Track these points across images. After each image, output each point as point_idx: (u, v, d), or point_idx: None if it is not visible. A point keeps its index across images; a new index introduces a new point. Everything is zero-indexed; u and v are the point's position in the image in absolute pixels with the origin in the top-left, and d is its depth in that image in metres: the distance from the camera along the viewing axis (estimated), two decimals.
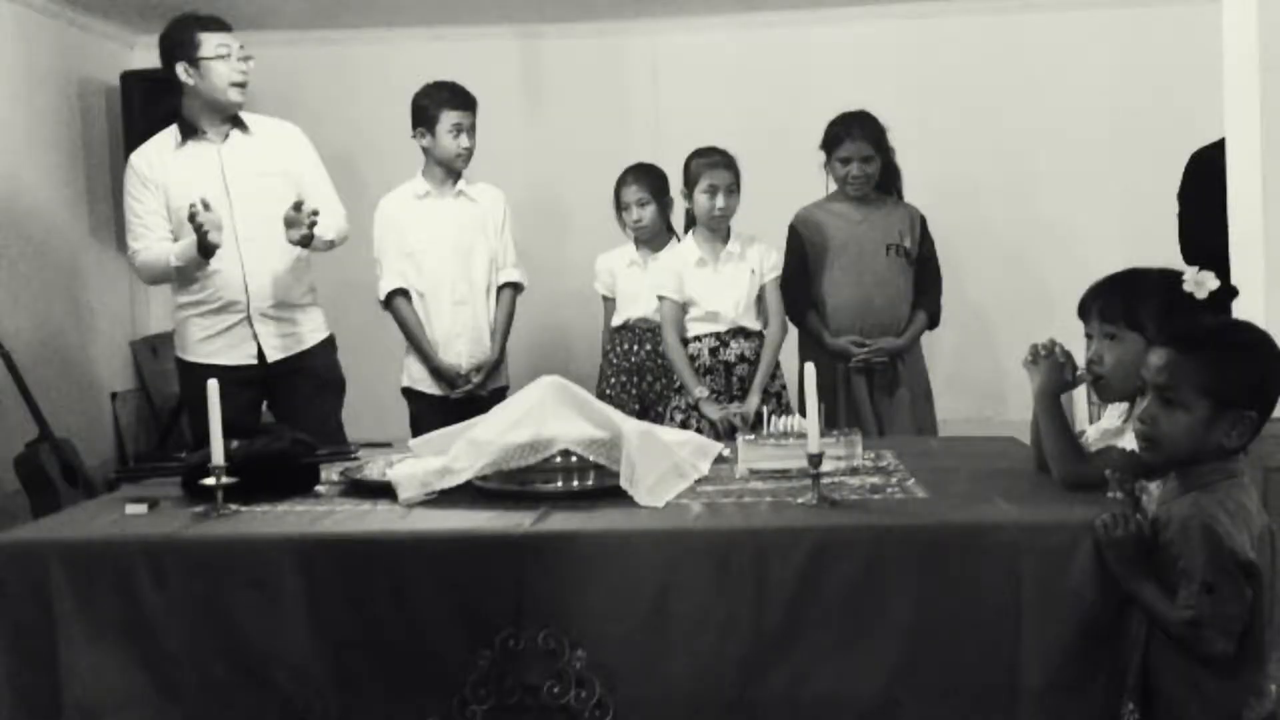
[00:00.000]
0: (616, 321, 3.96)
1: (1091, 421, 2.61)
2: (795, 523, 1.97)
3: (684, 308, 3.56)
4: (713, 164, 3.51)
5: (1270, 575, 1.80)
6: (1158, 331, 1.96)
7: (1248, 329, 1.91)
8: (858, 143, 3.69)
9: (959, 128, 4.91)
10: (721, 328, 3.53)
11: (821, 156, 3.78)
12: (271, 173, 3.44)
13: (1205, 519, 1.74)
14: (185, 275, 3.35)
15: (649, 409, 3.77)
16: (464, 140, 3.75)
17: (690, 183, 3.55)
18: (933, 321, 3.84)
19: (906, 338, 3.76)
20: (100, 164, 4.94)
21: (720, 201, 3.49)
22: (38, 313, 4.45)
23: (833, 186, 3.82)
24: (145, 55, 5.06)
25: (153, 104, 4.65)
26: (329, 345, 3.61)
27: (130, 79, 4.84)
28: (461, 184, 3.82)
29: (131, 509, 2.19)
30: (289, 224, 3.29)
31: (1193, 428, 1.80)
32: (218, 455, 2.13)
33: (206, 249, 3.21)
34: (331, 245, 3.52)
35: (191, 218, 3.16)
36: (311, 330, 3.55)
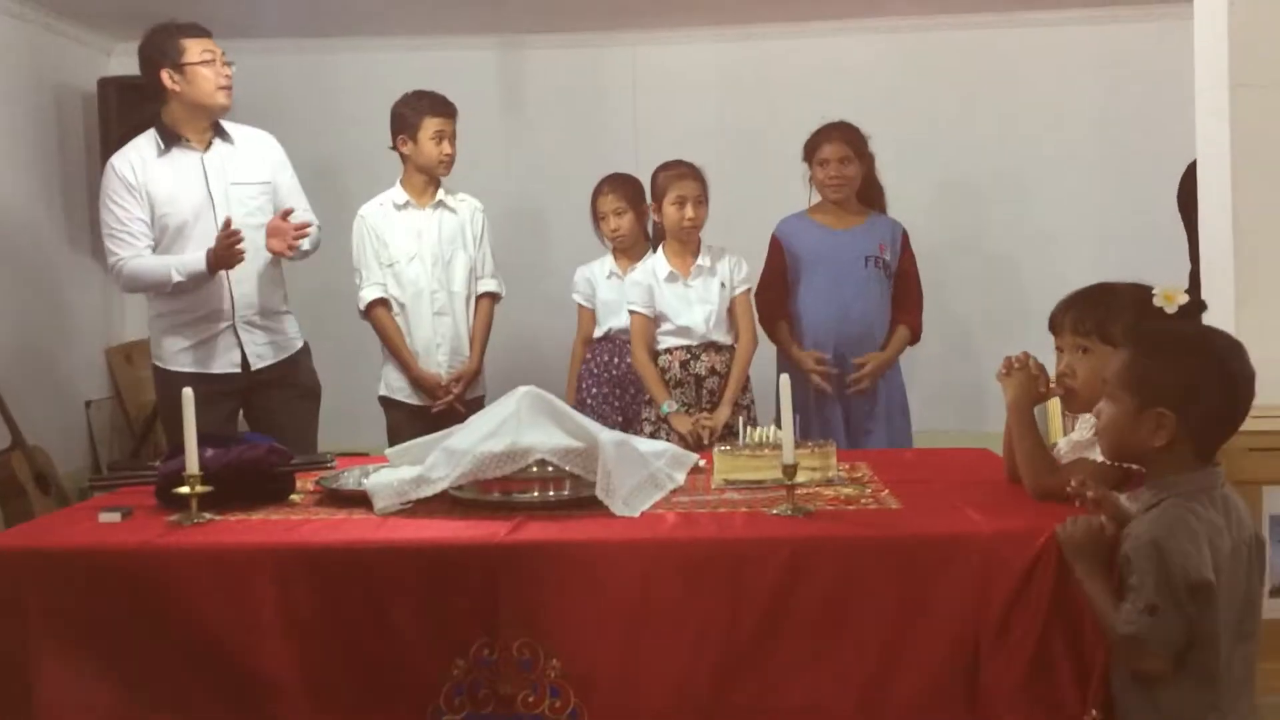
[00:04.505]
0: (598, 333, 3.96)
1: (1065, 433, 2.64)
2: (770, 534, 1.98)
3: (655, 321, 3.57)
4: (680, 175, 3.53)
5: (1245, 584, 1.81)
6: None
7: (1185, 334, 1.91)
8: (835, 144, 3.70)
9: (938, 142, 4.95)
10: (692, 342, 3.54)
11: (804, 169, 3.79)
12: (252, 181, 3.46)
13: (1161, 537, 1.75)
14: (180, 289, 3.34)
15: (632, 421, 3.76)
16: (446, 147, 3.75)
17: (658, 195, 3.56)
18: (914, 337, 3.86)
19: (890, 352, 3.77)
20: (77, 171, 4.92)
21: (689, 212, 3.50)
22: (12, 320, 4.42)
23: (815, 198, 3.83)
24: (122, 62, 5.04)
25: (129, 111, 4.63)
26: (306, 353, 3.62)
27: (107, 85, 4.82)
28: (441, 194, 3.83)
29: (105, 517, 2.18)
30: (272, 232, 3.30)
31: (1119, 422, 1.84)
32: (192, 464, 2.13)
33: (228, 265, 3.25)
34: (305, 255, 3.53)
35: (230, 234, 3.18)
36: (292, 338, 3.57)
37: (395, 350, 3.78)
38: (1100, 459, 2.02)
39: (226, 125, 3.46)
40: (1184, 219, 3.82)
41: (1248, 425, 1.96)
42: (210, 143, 3.42)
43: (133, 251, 3.35)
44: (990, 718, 1.87)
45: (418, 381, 3.77)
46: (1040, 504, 2.08)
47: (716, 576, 1.91)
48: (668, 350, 3.56)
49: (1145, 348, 1.86)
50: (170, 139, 3.39)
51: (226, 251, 3.22)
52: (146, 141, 3.42)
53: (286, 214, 3.35)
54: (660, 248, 3.64)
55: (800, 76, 4.99)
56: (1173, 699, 1.77)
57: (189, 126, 3.39)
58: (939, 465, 2.61)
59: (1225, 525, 1.79)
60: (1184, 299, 2.01)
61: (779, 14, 4.89)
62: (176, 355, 3.42)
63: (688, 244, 3.58)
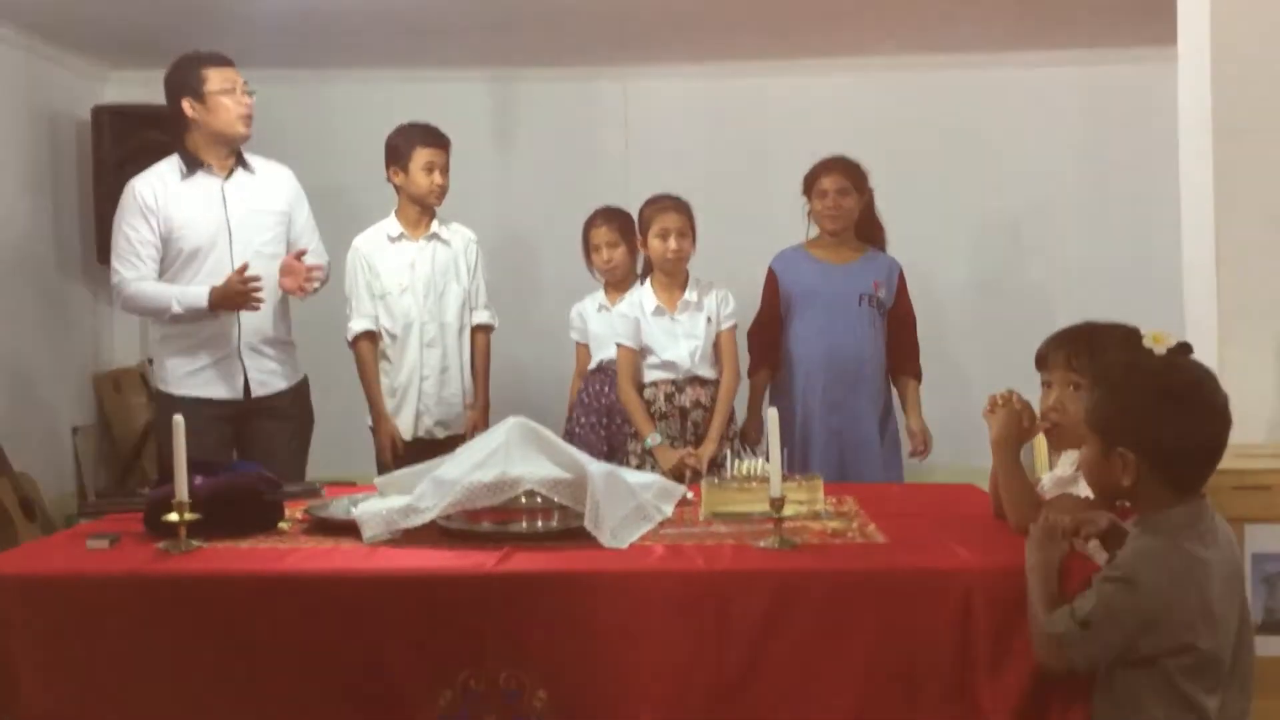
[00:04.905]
0: (590, 366, 3.97)
1: (1052, 468, 2.65)
2: (757, 566, 1.99)
3: (641, 354, 3.59)
4: (663, 208, 3.56)
5: (1237, 618, 1.81)
6: None
7: (1141, 370, 1.89)
8: (834, 176, 3.72)
9: (929, 177, 4.98)
10: (677, 376, 3.56)
11: (803, 203, 3.80)
12: (270, 211, 3.52)
13: (1138, 576, 1.75)
14: (177, 320, 3.38)
15: (617, 450, 3.78)
16: (437, 177, 3.78)
17: (643, 229, 3.60)
18: (919, 381, 3.88)
19: (915, 412, 3.81)
20: (69, 197, 4.93)
21: (672, 244, 3.52)
22: (1, 345, 4.42)
23: (814, 232, 3.85)
24: (116, 90, 5.08)
25: (123, 138, 4.66)
26: (306, 385, 3.66)
27: (101, 113, 4.84)
28: (435, 225, 3.85)
29: (93, 544, 2.18)
30: (285, 270, 3.40)
31: (1091, 463, 1.86)
32: (181, 491, 2.13)
33: (235, 308, 3.32)
34: (314, 291, 3.58)
35: (246, 280, 3.25)
36: (293, 369, 3.61)
37: (367, 389, 3.81)
38: (1083, 494, 2.03)
39: (248, 155, 3.53)
40: None
41: (1231, 464, 1.98)
42: (232, 170, 3.48)
43: (136, 274, 3.38)
44: None
45: (377, 422, 3.78)
46: (1025, 539, 2.08)
47: (704, 608, 1.92)
48: (653, 383, 3.58)
49: (1105, 387, 1.87)
50: (193, 164, 3.44)
51: (240, 296, 3.28)
52: (169, 166, 3.47)
53: (300, 254, 3.43)
54: (648, 281, 3.66)
55: (791, 112, 5.04)
56: None
57: (210, 154, 3.45)
58: (926, 500, 2.63)
59: (1216, 558, 1.79)
60: (1173, 341, 2.02)
61: (769, 51, 4.94)
62: (181, 379, 3.44)
63: (674, 277, 3.60)
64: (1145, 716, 1.77)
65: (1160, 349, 1.98)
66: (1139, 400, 1.82)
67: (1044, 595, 1.82)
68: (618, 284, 3.95)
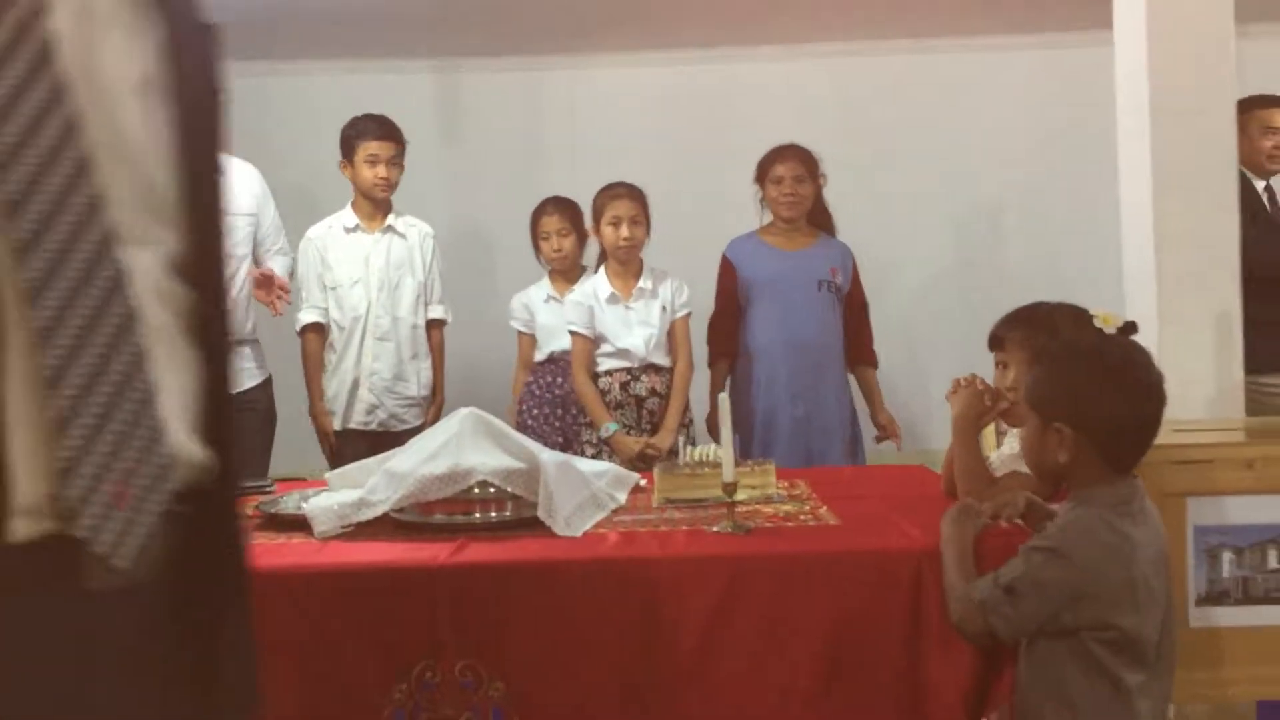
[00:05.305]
0: (539, 356, 3.96)
1: (997, 448, 2.69)
2: (711, 551, 2.00)
3: (595, 342, 3.58)
4: (616, 195, 3.56)
5: (1165, 598, 1.84)
6: None
7: (1075, 347, 1.94)
8: (790, 163, 3.73)
9: (881, 165, 4.99)
10: (632, 364, 3.56)
11: (754, 190, 3.81)
12: (240, 213, 3.54)
13: (1064, 547, 1.78)
14: None
15: (572, 441, 3.78)
16: (380, 170, 3.77)
17: (596, 216, 3.60)
18: (876, 366, 3.91)
19: (879, 399, 3.83)
20: None
21: (625, 231, 3.52)
22: None
23: (766, 219, 3.85)
24: None
25: None
26: (270, 381, 3.69)
27: None
28: (391, 218, 3.84)
29: None
30: (259, 283, 3.47)
31: (1029, 441, 1.89)
32: None
33: None
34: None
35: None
36: (261, 365, 3.65)
37: (309, 380, 3.83)
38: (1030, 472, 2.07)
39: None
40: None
41: (1171, 439, 2.02)
42: None
43: None
44: None
45: (311, 415, 3.80)
46: None
47: (659, 594, 1.93)
48: (607, 372, 3.58)
49: (1042, 364, 1.91)
50: None
51: None
52: None
53: (268, 274, 3.49)
54: (601, 269, 3.66)
55: (739, 102, 5.03)
56: (1086, 706, 1.79)
57: None
58: (876, 482, 2.65)
59: (1144, 539, 1.81)
60: (1121, 321, 2.06)
61: (717, 39, 4.94)
62: None
63: (628, 264, 3.60)
64: (1067, 688, 1.79)
65: (1110, 329, 2.03)
66: (1074, 377, 1.85)
67: (958, 565, 1.86)
68: (565, 273, 3.95)
